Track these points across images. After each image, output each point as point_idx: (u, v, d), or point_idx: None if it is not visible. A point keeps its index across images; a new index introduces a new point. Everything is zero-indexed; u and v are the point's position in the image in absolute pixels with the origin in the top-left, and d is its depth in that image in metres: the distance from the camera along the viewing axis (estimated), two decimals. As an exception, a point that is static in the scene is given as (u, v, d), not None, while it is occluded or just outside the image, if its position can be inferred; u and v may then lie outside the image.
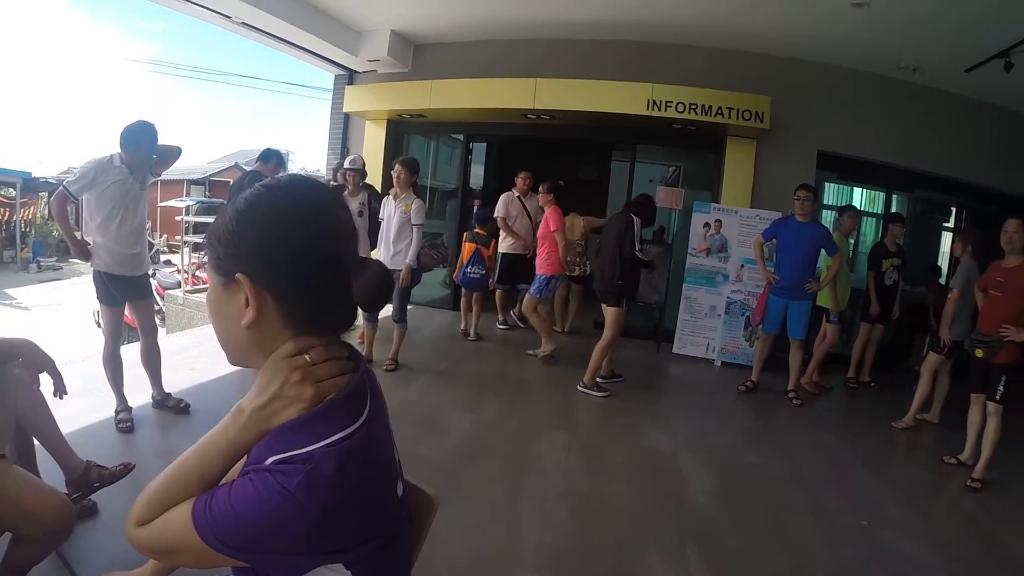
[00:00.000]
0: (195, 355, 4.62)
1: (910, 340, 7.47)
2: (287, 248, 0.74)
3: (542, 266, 5.42)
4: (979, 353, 3.87)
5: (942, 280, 7.18)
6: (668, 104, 6.04)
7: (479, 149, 8.29)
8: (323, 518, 0.69)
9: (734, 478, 3.47)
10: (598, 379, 4.76)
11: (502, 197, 6.09)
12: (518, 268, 6.05)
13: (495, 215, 6.03)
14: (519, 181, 6.11)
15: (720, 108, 5.98)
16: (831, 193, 7.20)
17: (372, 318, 4.79)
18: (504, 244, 6.08)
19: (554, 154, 9.24)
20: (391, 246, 4.67)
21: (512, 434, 3.76)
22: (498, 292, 6.34)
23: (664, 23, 6.13)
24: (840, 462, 3.94)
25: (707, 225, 6.17)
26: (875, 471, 3.88)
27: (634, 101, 6.09)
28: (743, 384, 5.21)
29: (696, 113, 6.02)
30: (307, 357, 0.76)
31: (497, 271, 6.10)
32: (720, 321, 6.14)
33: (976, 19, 4.98)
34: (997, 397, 3.79)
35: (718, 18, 5.86)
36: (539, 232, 5.52)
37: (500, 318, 6.59)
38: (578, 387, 4.69)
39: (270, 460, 0.71)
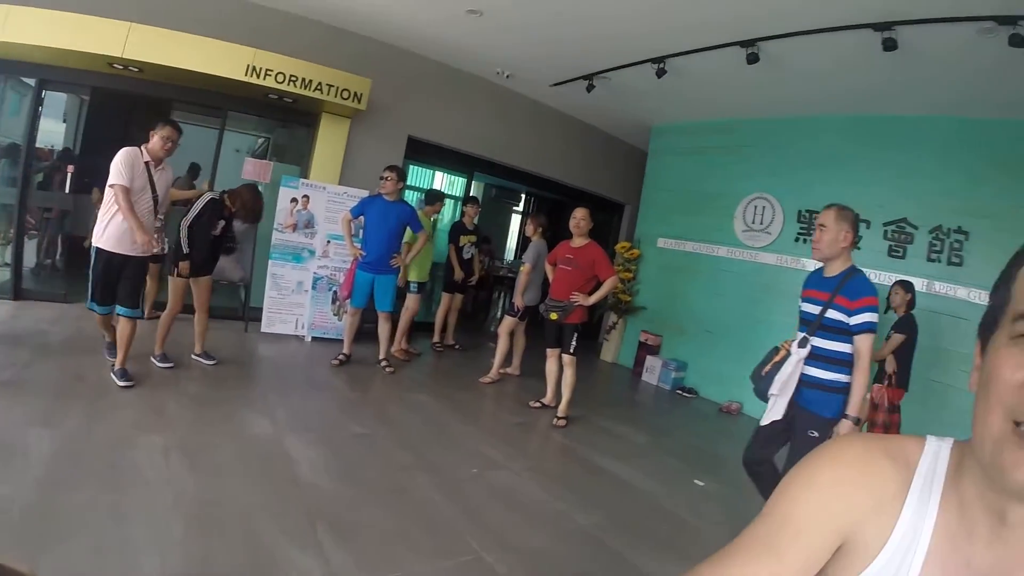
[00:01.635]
0: None
1: (487, 305, 8.80)
2: None
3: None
4: (553, 316, 4.66)
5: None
6: (268, 73, 5.51)
7: (55, 99, 6.26)
8: None
9: (344, 451, 3.37)
10: (154, 359, 4.24)
11: (124, 153, 3.71)
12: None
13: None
14: (156, 139, 3.82)
15: (321, 84, 5.74)
16: (416, 175, 7.79)
17: None
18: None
19: (141, 112, 7.43)
20: None
21: (102, 446, 2.86)
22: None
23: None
24: (440, 420, 4.24)
25: (294, 200, 5.89)
26: (472, 423, 4.31)
27: (234, 65, 5.37)
28: (336, 358, 5.17)
29: (296, 86, 5.64)
30: None
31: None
32: (308, 297, 5.94)
33: (569, 46, 5.95)
34: (571, 351, 4.66)
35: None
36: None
37: None
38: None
39: None
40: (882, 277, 5.53)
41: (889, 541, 0.68)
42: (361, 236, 5.26)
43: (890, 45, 4.38)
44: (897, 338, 4.76)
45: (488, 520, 2.86)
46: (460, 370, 5.89)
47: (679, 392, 6.92)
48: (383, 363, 5.26)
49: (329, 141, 6.41)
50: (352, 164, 6.52)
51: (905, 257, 5.70)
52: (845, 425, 2.76)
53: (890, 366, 4.77)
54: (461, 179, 8.34)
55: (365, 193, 5.78)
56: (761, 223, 6.80)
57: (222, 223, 4.47)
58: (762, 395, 2.95)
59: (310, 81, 5.69)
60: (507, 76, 7.24)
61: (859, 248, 5.83)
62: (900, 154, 5.85)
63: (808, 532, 0.68)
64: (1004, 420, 0.58)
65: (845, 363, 2.80)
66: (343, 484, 2.94)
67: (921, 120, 5.77)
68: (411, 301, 5.97)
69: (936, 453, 0.71)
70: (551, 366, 4.91)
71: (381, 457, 3.40)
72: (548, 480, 3.51)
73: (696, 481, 4.00)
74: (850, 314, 2.77)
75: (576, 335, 4.69)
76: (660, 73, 5.83)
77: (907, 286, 4.92)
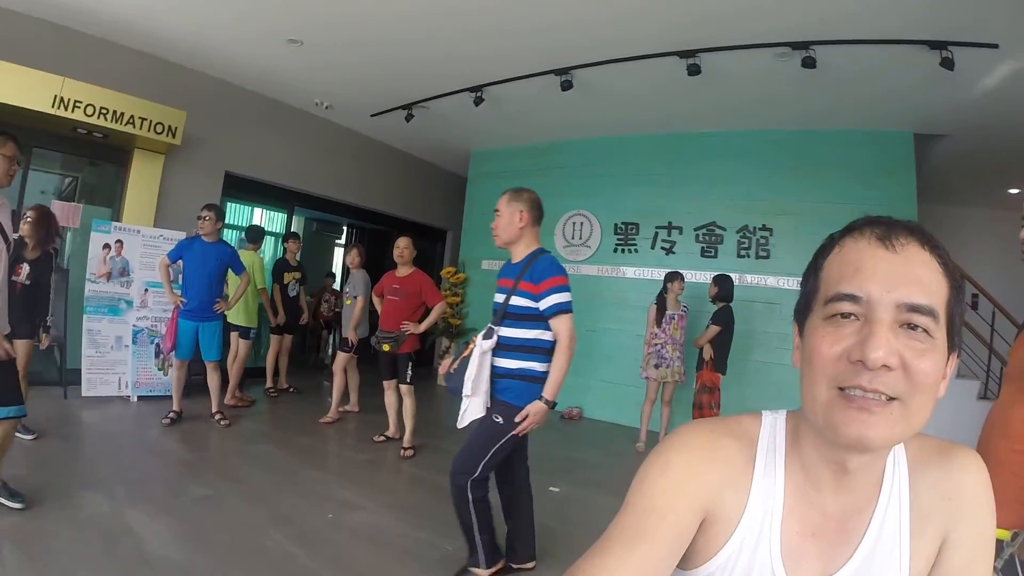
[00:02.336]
0: None
1: (317, 343, 8.62)
2: None
3: None
4: (386, 347, 4.76)
5: (336, 286, 8.60)
6: (77, 104, 5.05)
7: None
8: None
9: (191, 517, 3.23)
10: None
11: None
12: None
13: None
14: None
15: (133, 117, 5.38)
16: (234, 213, 7.46)
17: None
18: None
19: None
20: None
21: None
22: None
23: (87, 9, 5.13)
24: (286, 469, 4.17)
25: (107, 246, 5.43)
26: (320, 467, 4.29)
27: (39, 95, 4.85)
28: (166, 416, 4.86)
29: (107, 119, 5.23)
30: None
31: None
32: (129, 352, 5.49)
33: (389, 77, 6.08)
34: (408, 380, 4.77)
35: (141, 20, 5.30)
36: None
37: None
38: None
39: None
40: (698, 276, 6.40)
41: (747, 507, 0.77)
42: (180, 282, 4.99)
43: (694, 70, 4.98)
44: (713, 329, 5.36)
45: (355, 564, 2.93)
46: (298, 414, 5.79)
47: None
48: (217, 416, 5.05)
49: (142, 179, 6.02)
50: (167, 204, 6.16)
51: (717, 256, 6.64)
52: (536, 406, 2.65)
53: (707, 353, 5.36)
54: (281, 215, 8.14)
55: (182, 235, 5.55)
56: (580, 238, 7.52)
57: (26, 267, 3.89)
58: (455, 392, 2.82)
59: (122, 114, 5.35)
60: (327, 107, 7.28)
61: (674, 253, 6.83)
62: (707, 166, 6.76)
63: (671, 514, 0.73)
64: (829, 388, 0.69)
65: (539, 350, 2.71)
66: (197, 554, 2.85)
67: (726, 135, 6.71)
68: (242, 347, 5.80)
69: (773, 425, 0.81)
70: (390, 398, 5.03)
71: (231, 517, 3.30)
72: (406, 512, 3.63)
73: (551, 488, 4.25)
74: (537, 299, 2.67)
75: (411, 364, 4.81)
76: (478, 101, 6.19)
77: (717, 280, 5.51)
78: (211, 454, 4.47)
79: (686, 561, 0.78)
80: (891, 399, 0.66)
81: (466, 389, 2.71)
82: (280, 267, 6.47)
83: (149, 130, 5.55)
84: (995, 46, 4.37)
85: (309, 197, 7.80)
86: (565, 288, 2.67)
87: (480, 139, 8.25)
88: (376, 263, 6.31)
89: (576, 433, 6.41)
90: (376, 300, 5.16)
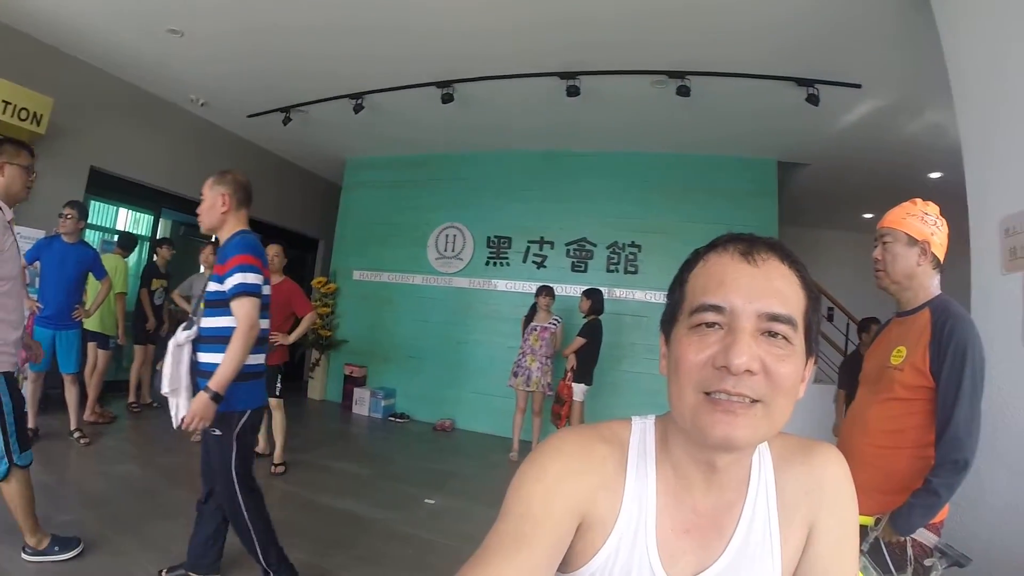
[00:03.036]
0: None
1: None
2: None
3: None
4: None
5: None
6: None
7: None
8: None
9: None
10: None
11: None
12: None
13: None
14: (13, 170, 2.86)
15: None
16: (98, 212, 6.92)
17: None
18: None
19: None
20: None
21: None
22: None
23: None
24: (152, 491, 4.00)
25: (-44, 247, 4.89)
26: (187, 487, 4.09)
27: None
28: (18, 435, 4.49)
29: None
30: None
31: None
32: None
33: (269, 77, 5.90)
34: (277, 393, 4.63)
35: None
36: None
37: None
38: None
39: None
40: (568, 290, 6.74)
41: (622, 509, 0.79)
42: (37, 285, 4.64)
43: (573, 91, 5.18)
44: (578, 340, 5.66)
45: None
46: (163, 432, 5.47)
47: (392, 419, 7.37)
48: (77, 434, 4.74)
49: (3, 173, 5.44)
50: (28, 200, 5.62)
51: (587, 271, 7.04)
52: (199, 400, 2.34)
53: (570, 363, 5.66)
54: (148, 216, 7.63)
55: (41, 234, 5.12)
56: (453, 250, 7.68)
57: None
58: (157, 393, 2.52)
59: (-11, 99, 4.73)
60: (202, 104, 6.99)
61: (545, 267, 7.16)
62: (580, 184, 7.11)
63: (548, 520, 0.75)
64: (696, 393, 0.72)
65: None
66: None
67: (600, 155, 7.10)
68: (101, 358, 5.45)
69: (643, 429, 0.84)
70: None
71: (96, 546, 3.16)
72: (279, 531, 3.52)
73: (427, 500, 4.35)
74: (222, 280, 2.44)
75: (280, 376, 4.67)
76: (358, 108, 6.16)
77: (588, 293, 5.84)
78: (71, 476, 4.19)
79: (566, 564, 0.80)
80: (754, 401, 0.70)
81: (163, 386, 2.46)
82: (149, 273, 6.17)
83: (12, 115, 5.10)
84: (858, 86, 4.91)
85: (178, 198, 7.39)
86: (251, 268, 2.43)
87: (357, 147, 8.18)
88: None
89: (450, 445, 6.57)
90: None
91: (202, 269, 5.86)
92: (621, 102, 5.77)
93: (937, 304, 1.87)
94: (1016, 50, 2.46)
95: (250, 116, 7.23)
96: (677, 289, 0.80)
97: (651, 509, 0.79)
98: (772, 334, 0.71)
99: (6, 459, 2.67)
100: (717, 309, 0.72)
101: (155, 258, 6.34)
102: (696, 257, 0.80)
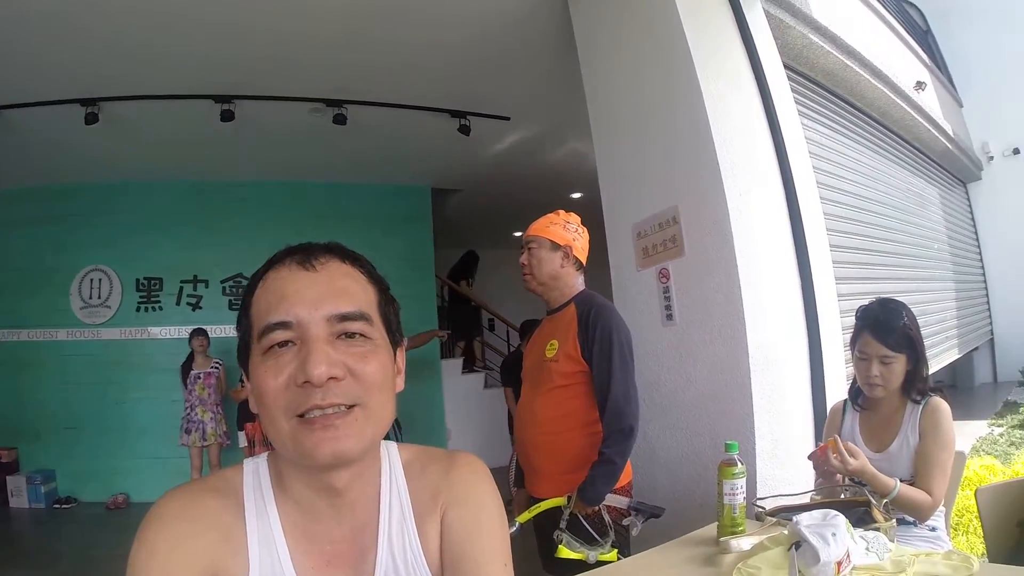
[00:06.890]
0: None
1: None
2: None
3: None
4: None
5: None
6: None
7: None
8: None
9: None
10: None
11: None
12: None
13: None
14: None
15: None
16: None
17: None
18: None
19: None
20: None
21: None
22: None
23: None
24: None
25: None
26: None
27: None
28: None
29: None
30: None
31: None
32: None
33: None
34: None
35: None
36: None
37: None
38: None
39: None
40: (227, 330, 5.98)
41: (251, 560, 0.72)
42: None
43: (228, 116, 4.83)
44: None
45: None
46: None
47: (57, 506, 6.18)
48: None
49: None
50: None
51: None
52: None
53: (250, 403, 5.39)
54: None
55: None
56: (99, 297, 6.57)
57: None
58: None
59: None
60: None
61: (201, 308, 6.58)
62: (236, 216, 6.61)
63: None
64: (288, 419, 0.68)
65: None
66: None
67: (256, 184, 6.74)
68: None
69: (255, 471, 0.78)
70: None
71: None
72: None
73: None
74: None
75: None
76: None
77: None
78: None
79: None
80: (351, 407, 0.68)
81: None
82: None
83: None
84: (507, 118, 5.31)
85: None
86: None
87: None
88: None
89: (126, 523, 5.64)
90: None
91: None
92: (278, 129, 5.59)
93: (581, 298, 2.09)
94: (648, 88, 3.03)
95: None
96: (243, 318, 0.76)
97: (283, 550, 0.73)
98: (349, 335, 0.70)
99: None
100: (284, 325, 0.69)
101: None
102: (256, 279, 0.76)
